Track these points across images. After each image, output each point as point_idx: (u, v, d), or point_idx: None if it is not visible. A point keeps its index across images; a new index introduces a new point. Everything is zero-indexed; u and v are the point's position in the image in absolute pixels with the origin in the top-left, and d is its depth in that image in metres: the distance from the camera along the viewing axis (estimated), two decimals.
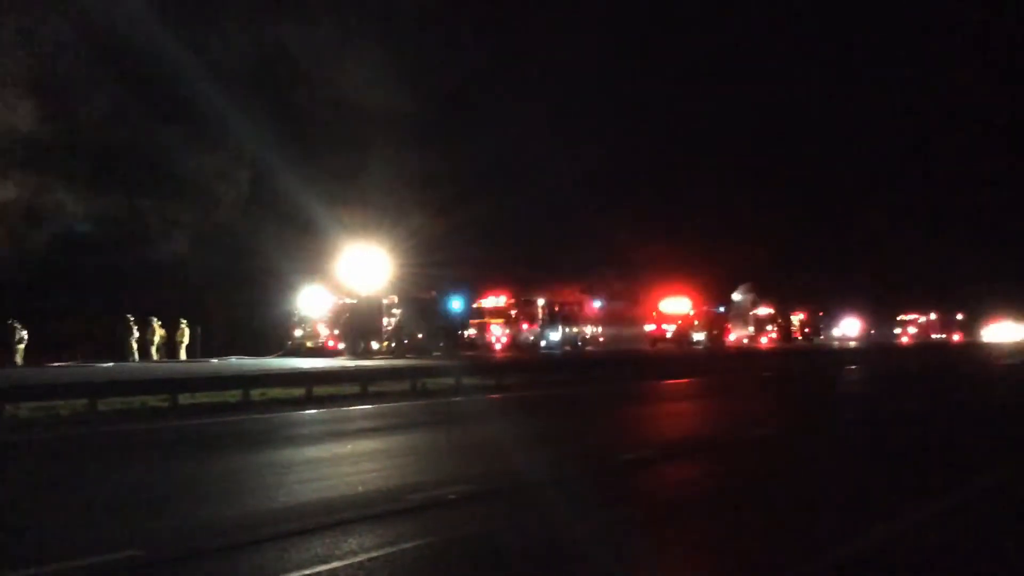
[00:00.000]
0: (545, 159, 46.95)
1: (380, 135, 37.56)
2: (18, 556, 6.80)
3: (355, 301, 33.81)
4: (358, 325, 33.58)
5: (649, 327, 48.43)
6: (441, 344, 35.78)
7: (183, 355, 31.43)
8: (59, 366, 26.27)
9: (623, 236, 50.29)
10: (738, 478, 10.61)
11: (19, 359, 26.97)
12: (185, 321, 31.87)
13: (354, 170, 36.65)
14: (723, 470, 11.31)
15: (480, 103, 43.39)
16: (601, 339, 44.39)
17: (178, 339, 31.60)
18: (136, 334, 29.80)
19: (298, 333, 34.15)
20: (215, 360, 29.63)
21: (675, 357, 38.70)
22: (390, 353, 33.29)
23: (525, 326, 39.64)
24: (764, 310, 59.10)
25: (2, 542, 7.29)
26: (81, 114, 30.17)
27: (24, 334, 27.26)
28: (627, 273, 48.84)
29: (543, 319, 40.60)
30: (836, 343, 68.70)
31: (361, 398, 19.44)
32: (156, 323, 31.04)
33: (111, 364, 27.00)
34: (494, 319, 39.22)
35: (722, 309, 55.00)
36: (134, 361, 28.89)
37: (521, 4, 48.52)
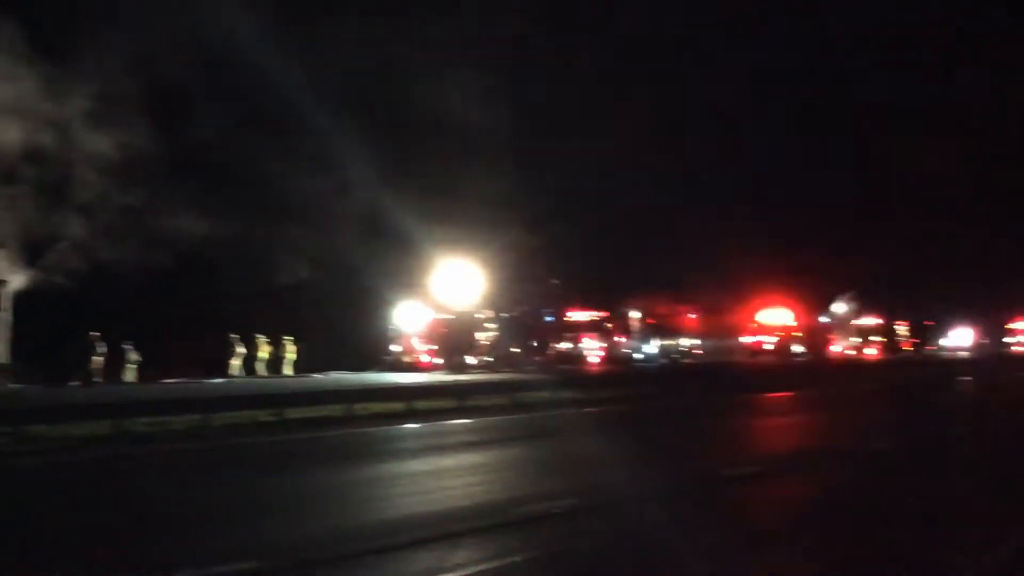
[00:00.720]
0: (641, 170, 46.59)
1: (474, 151, 37.99)
2: (143, 566, 7.12)
3: (451, 316, 34.24)
4: (454, 340, 33.98)
5: (749, 339, 47.54)
6: (536, 358, 35.87)
7: (289, 371, 32.36)
8: (172, 383, 27.40)
9: (722, 246, 49.44)
10: (848, 495, 10.35)
11: (130, 376, 28.16)
12: (290, 338, 32.83)
13: (448, 186, 37.12)
14: (832, 487, 11.04)
15: (576, 118, 43.30)
16: (699, 351, 43.78)
17: (283, 355, 32.55)
18: (237, 351, 30.77)
19: (396, 348, 34.74)
20: (318, 375, 30.38)
21: (776, 369, 37.86)
22: (486, 367, 33.55)
23: (620, 339, 39.42)
24: (869, 320, 57.28)
25: (127, 552, 7.63)
26: (196, 135, 31.41)
27: (135, 355, 28.47)
28: (725, 283, 47.98)
29: (638, 331, 40.31)
30: (947, 353, 66.10)
31: (459, 412, 19.65)
32: (263, 340, 32.08)
33: (221, 380, 27.99)
34: (588, 332, 39.12)
35: (825, 320, 53.54)
36: (238, 377, 29.80)
37: (615, 22, 48.30)
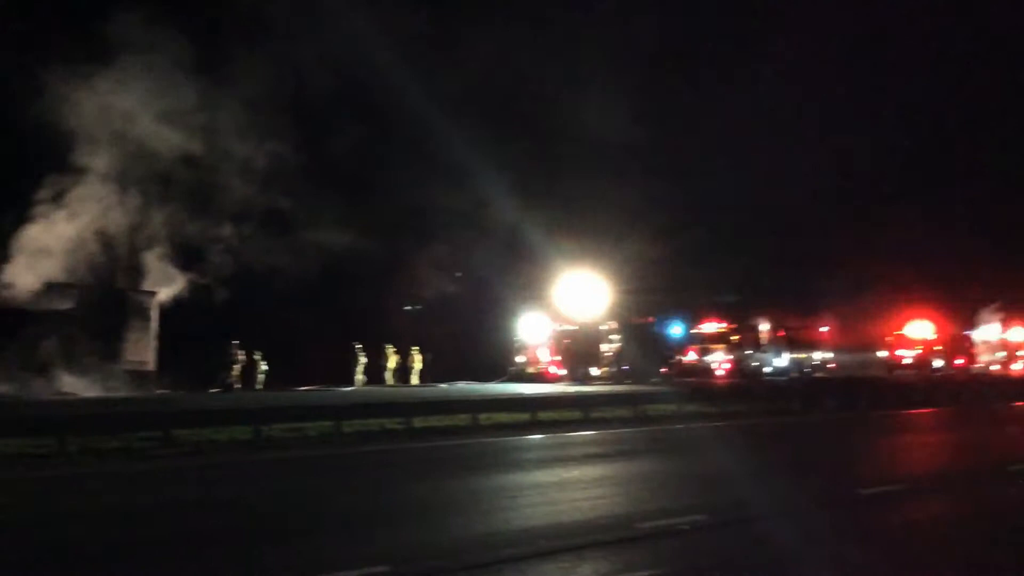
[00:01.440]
0: (771, 178, 45.39)
1: (603, 161, 37.97)
2: (276, 569, 7.37)
3: (575, 327, 34.21)
4: (578, 351, 33.94)
5: (886, 352, 45.54)
6: (662, 370, 35.41)
7: (415, 380, 33.05)
8: (305, 390, 28.44)
9: (857, 255, 47.58)
10: (993, 518, 9.76)
11: (259, 385, 29.30)
12: (417, 348, 33.54)
13: (574, 196, 37.18)
14: (976, 509, 10.43)
15: (705, 129, 42.55)
16: (832, 365, 42.21)
17: (411, 365, 33.29)
18: (361, 361, 31.52)
19: (520, 359, 34.95)
20: (443, 385, 30.89)
21: (916, 384, 36.13)
22: (610, 379, 33.35)
23: (748, 351, 38.45)
24: (1018, 333, 53.89)
25: (262, 555, 7.91)
26: (339, 149, 32.59)
27: (264, 365, 29.64)
28: (861, 295, 46.11)
29: (767, 344, 39.22)
30: None
31: (583, 424, 19.59)
32: (390, 350, 32.93)
33: (350, 389, 28.84)
34: (715, 344, 38.31)
35: (969, 333, 50.73)
36: (361, 386, 30.52)
37: (745, 36, 47.23)
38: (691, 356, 37.96)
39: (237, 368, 28.27)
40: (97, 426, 15.66)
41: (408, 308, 33.42)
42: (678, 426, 19.93)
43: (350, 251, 32.56)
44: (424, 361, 33.82)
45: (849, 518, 9.80)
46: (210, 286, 28.89)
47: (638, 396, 23.04)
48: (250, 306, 32.09)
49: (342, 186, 32.87)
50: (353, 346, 31.42)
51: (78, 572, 7.46)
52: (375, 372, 32.39)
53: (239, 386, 28.10)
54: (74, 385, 24.08)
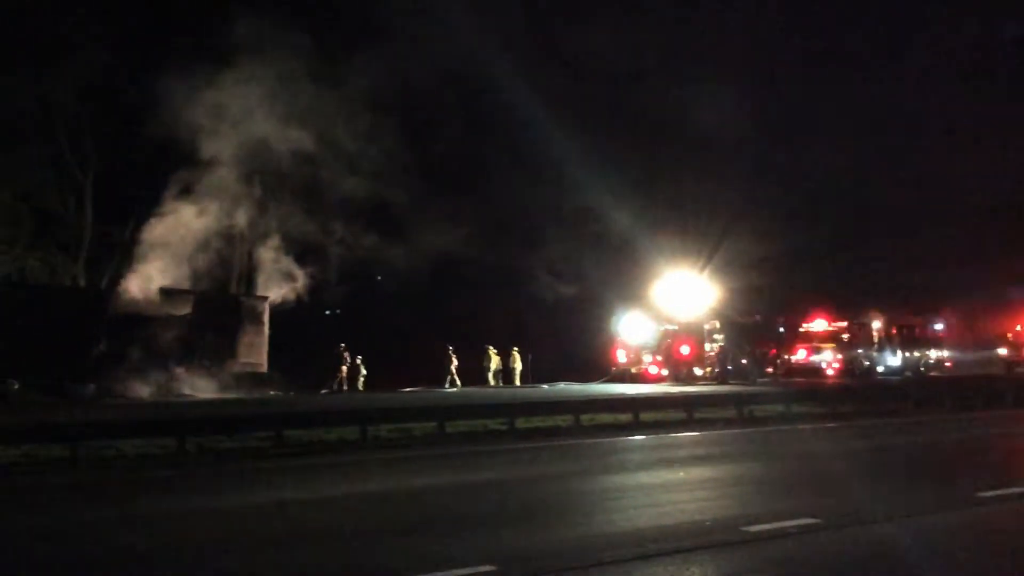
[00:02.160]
0: (881, 173, 43.93)
1: (708, 159, 37.49)
2: (384, 566, 7.53)
3: (676, 327, 33.81)
4: (681, 351, 33.52)
5: (1006, 350, 43.41)
6: (768, 370, 34.66)
7: (517, 381, 33.26)
8: (409, 391, 28.97)
9: (977, 249, 45.52)
10: None
11: (360, 387, 29.92)
12: (517, 348, 33.74)
13: (676, 196, 36.80)
14: None
15: (816, 123, 41.43)
16: (948, 364, 40.53)
17: (512, 366, 33.53)
18: (455, 363, 31.78)
19: (621, 359, 34.74)
20: (545, 386, 30.97)
21: None
22: (714, 379, 32.83)
23: (859, 350, 37.26)
24: None
25: (368, 553, 8.08)
26: (447, 150, 33.24)
27: (363, 369, 30.28)
28: (980, 290, 44.06)
29: (879, 342, 37.94)
30: None
31: (687, 424, 19.36)
32: (492, 351, 33.26)
33: (453, 390, 29.22)
34: (824, 343, 37.27)
35: None
36: (451, 388, 30.74)
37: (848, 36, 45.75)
38: (799, 355, 37.05)
39: (343, 370, 28.99)
40: (214, 427, 16.31)
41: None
42: (785, 427, 19.47)
43: (455, 253, 33.07)
44: (525, 362, 34.02)
45: (967, 522, 9.41)
46: (319, 290, 29.76)
47: (743, 396, 22.61)
48: (356, 309, 32.90)
49: (448, 188, 33.41)
50: (447, 348, 31.74)
51: (209, 565, 7.78)
52: (478, 374, 32.75)
53: (344, 388, 28.79)
54: (192, 387, 25.15)
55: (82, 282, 31.35)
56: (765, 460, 14.86)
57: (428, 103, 32.31)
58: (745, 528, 8.66)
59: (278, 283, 29.77)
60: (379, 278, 32.76)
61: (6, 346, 23.01)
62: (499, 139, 34.81)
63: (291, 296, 29.72)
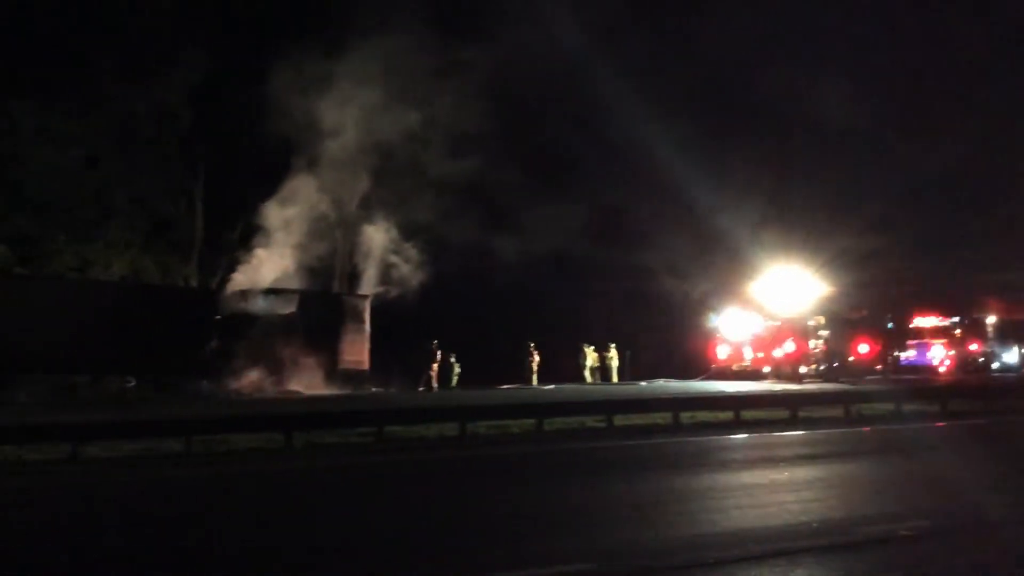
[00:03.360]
0: (999, 168, 41.88)
1: (812, 151, 36.56)
2: (497, 561, 7.59)
3: (779, 323, 33.02)
4: (785, 347, 32.74)
5: None
6: (877, 367, 33.53)
7: (614, 378, 33.08)
8: (506, 388, 29.16)
9: None
10: None
11: (453, 384, 30.16)
12: (615, 345, 33.57)
13: (778, 188, 35.97)
14: None
15: (929, 118, 39.79)
16: None
17: (609, 363, 33.37)
18: (536, 359, 31.65)
19: (722, 356, 34.17)
20: (643, 383, 30.71)
21: None
22: (819, 376, 31.95)
23: (973, 346, 35.71)
24: None
25: (467, 550, 8.16)
26: (537, 148, 33.34)
27: (458, 367, 30.53)
28: None
29: (994, 338, 36.29)
30: None
31: (791, 423, 18.91)
32: (588, 348, 33.18)
33: (552, 387, 29.24)
34: (935, 339, 35.87)
35: None
36: (536, 385, 30.65)
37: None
38: (909, 352, 35.77)
39: (435, 368, 29.31)
40: (319, 422, 16.75)
41: None
42: (896, 426, 18.81)
43: (555, 249, 33.13)
44: (623, 359, 33.83)
45: None
46: (422, 286, 30.20)
47: (851, 394, 21.97)
48: (456, 305, 33.28)
49: (551, 183, 33.44)
50: (529, 345, 31.67)
51: (325, 556, 8.00)
52: (574, 371, 32.72)
53: (436, 386, 29.09)
54: (297, 384, 25.87)
55: (194, 282, 32.60)
56: (874, 460, 14.40)
57: (535, 95, 32.32)
58: (854, 530, 8.42)
59: (380, 280, 30.36)
60: (483, 274, 33.01)
61: (123, 345, 24.09)
62: (599, 132, 34.62)
63: (393, 292, 30.26)
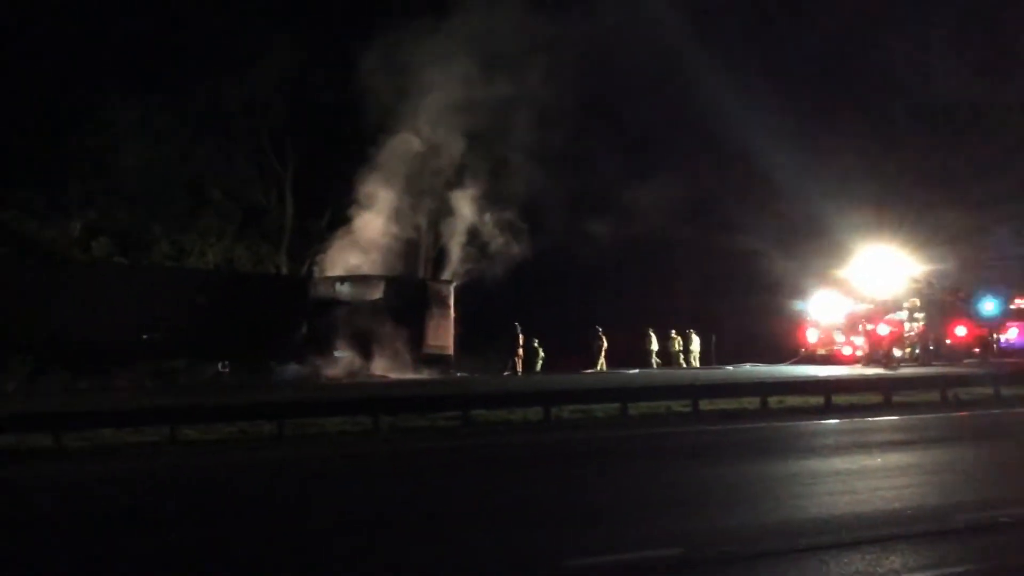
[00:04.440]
0: None
1: (902, 128, 35.36)
2: (583, 545, 7.62)
3: (872, 305, 32.07)
4: (876, 330, 31.78)
5: None
6: (975, 350, 32.30)
7: (695, 363, 32.64)
8: (590, 372, 29.12)
9: None
10: None
11: (537, 368, 30.15)
12: (693, 330, 33.11)
13: (871, 166, 34.88)
14: None
15: None
16: None
17: (690, 348, 32.94)
18: (604, 344, 31.33)
19: (811, 340, 33.39)
20: (729, 367, 30.27)
21: None
22: (914, 360, 30.96)
23: None
24: None
25: (552, 534, 8.19)
26: (631, 130, 33.14)
27: (542, 351, 30.52)
28: None
29: None
30: None
31: (884, 408, 18.39)
32: (674, 334, 32.90)
33: (636, 371, 29.07)
34: None
35: None
36: (602, 370, 30.39)
37: None
38: (1010, 335, 34.31)
39: (520, 352, 29.40)
40: (406, 406, 17.03)
41: None
42: (995, 411, 18.12)
43: (642, 233, 32.86)
44: (709, 343, 33.38)
45: None
46: (508, 271, 30.32)
47: (947, 379, 21.21)
48: (542, 290, 33.31)
49: (636, 166, 33.14)
50: (597, 330, 31.39)
51: (398, 536, 8.16)
52: (663, 356, 32.47)
53: (519, 371, 29.17)
54: (384, 369, 26.32)
55: (285, 270, 33.45)
56: (971, 446, 13.93)
57: (629, 72, 31.86)
58: (949, 517, 8.17)
59: (465, 265, 30.60)
60: (568, 258, 32.95)
61: (217, 331, 24.87)
62: (690, 111, 34.00)
63: (477, 276, 30.47)
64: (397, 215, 29.61)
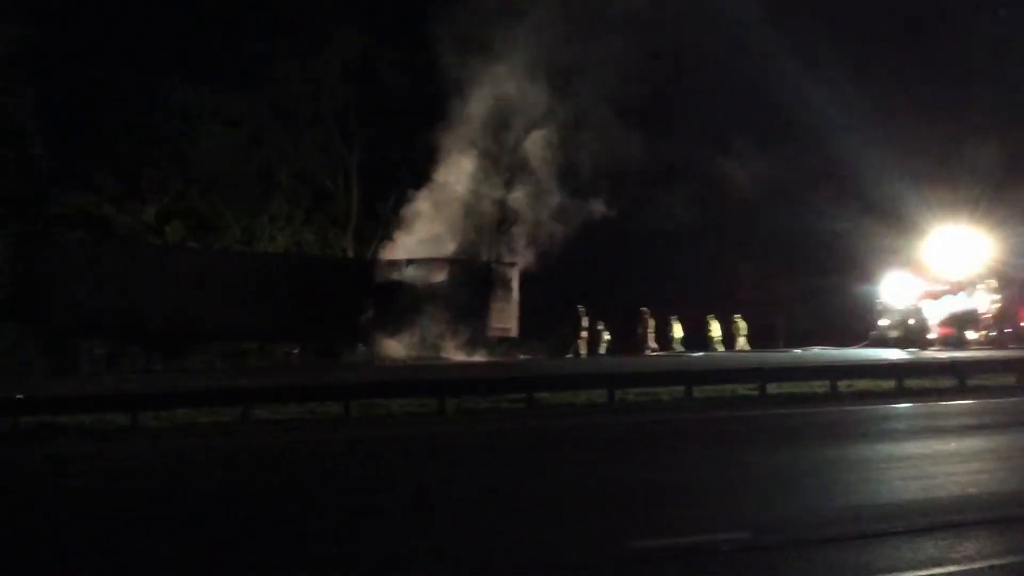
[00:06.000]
0: None
1: (982, 105, 34.17)
2: (647, 528, 7.61)
3: (946, 286, 31.18)
4: (951, 312, 30.91)
5: None
6: None
7: (742, 346, 32.06)
8: (655, 355, 28.92)
9: None
10: None
11: (601, 351, 29.96)
12: (739, 316, 32.59)
13: (945, 144, 33.82)
14: None
15: None
16: None
17: (739, 333, 32.40)
18: (651, 326, 30.81)
19: (883, 322, 32.61)
20: (798, 350, 29.75)
21: None
22: (990, 344, 30.03)
23: None
24: None
25: (634, 515, 8.18)
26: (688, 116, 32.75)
27: (606, 333, 30.30)
28: None
29: None
30: None
31: (958, 392, 17.90)
32: (738, 317, 32.45)
33: (702, 354, 28.79)
34: None
35: None
36: (645, 354, 29.96)
37: None
38: None
39: (583, 334, 29.26)
40: (470, 388, 17.15)
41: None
42: None
43: (710, 217, 32.43)
44: (776, 325, 32.84)
45: None
46: (573, 253, 30.21)
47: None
48: (610, 272, 33.14)
49: (705, 145, 32.69)
50: (643, 312, 30.97)
51: (466, 517, 8.24)
52: (726, 340, 32.06)
53: (583, 353, 29.05)
54: (448, 351, 26.52)
55: (351, 253, 33.86)
56: None
57: (702, 48, 31.27)
58: None
59: (529, 247, 30.56)
60: (633, 239, 32.70)
61: (287, 314, 25.33)
62: (761, 88, 33.35)
63: (541, 259, 30.42)
64: (461, 199, 29.69)
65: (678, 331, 31.90)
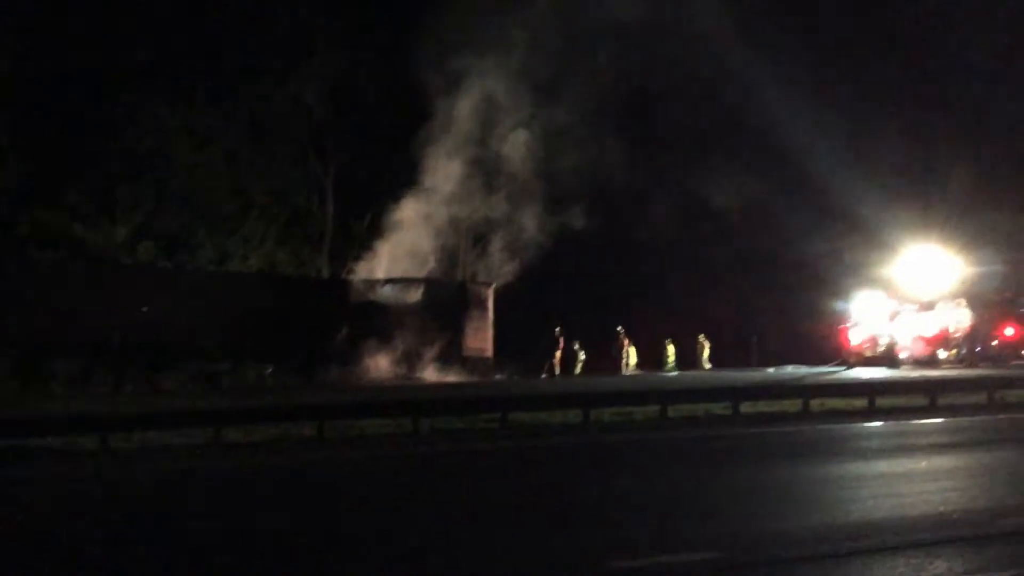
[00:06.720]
0: None
1: (947, 126, 34.74)
2: (622, 547, 7.58)
3: (916, 306, 31.54)
4: (921, 332, 31.23)
5: None
6: None
7: (706, 366, 32.33)
8: (630, 375, 29.00)
9: None
10: None
11: (576, 371, 30.06)
12: (703, 335, 32.87)
13: (915, 163, 34.33)
14: None
15: None
16: None
17: (701, 352, 32.71)
18: (625, 345, 31.01)
19: (854, 342, 32.90)
20: (771, 369, 29.96)
21: None
22: (960, 362, 30.38)
23: None
24: None
25: (585, 536, 8.13)
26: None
27: (582, 354, 30.46)
28: None
29: None
30: None
31: (929, 411, 18.07)
32: (702, 338, 32.80)
33: (676, 374, 28.92)
34: None
35: None
36: (622, 373, 30.15)
37: None
38: None
39: (558, 355, 29.33)
40: (445, 409, 17.10)
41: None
42: None
43: (680, 235, 32.64)
44: (751, 344, 33.08)
45: None
46: (545, 273, 30.32)
47: (995, 380, 20.81)
48: (572, 293, 33.24)
49: (674, 167, 32.91)
50: (618, 331, 31.15)
51: (438, 539, 8.20)
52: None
53: (558, 373, 29.09)
54: (423, 371, 26.45)
55: (326, 272, 33.73)
56: (1019, 450, 13.65)
57: (670, 66, 31.52)
58: (996, 522, 8.02)
59: (502, 268, 30.63)
60: (607, 260, 32.88)
61: (261, 334, 25.16)
62: (728, 109, 33.67)
63: (516, 279, 30.49)
64: (437, 218, 29.71)
65: (671, 352, 32.20)
